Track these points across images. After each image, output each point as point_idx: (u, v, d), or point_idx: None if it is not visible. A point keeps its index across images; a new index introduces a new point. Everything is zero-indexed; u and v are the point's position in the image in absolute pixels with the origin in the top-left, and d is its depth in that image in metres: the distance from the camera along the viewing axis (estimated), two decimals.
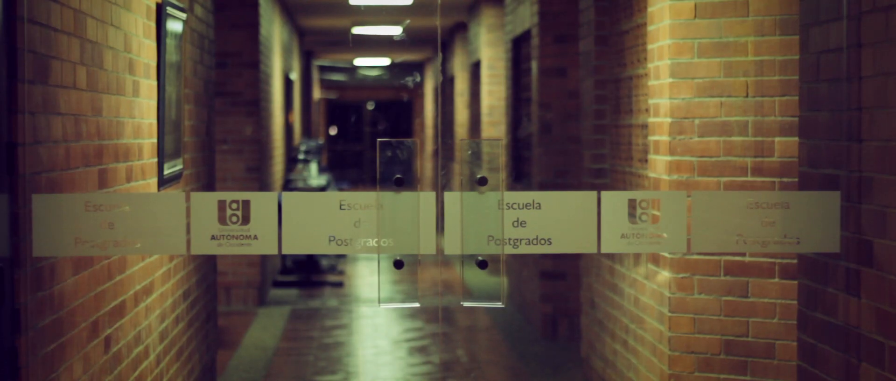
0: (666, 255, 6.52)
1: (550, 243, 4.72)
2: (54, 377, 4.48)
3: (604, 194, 4.71)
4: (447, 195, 4.84)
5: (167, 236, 4.50)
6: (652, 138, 6.74)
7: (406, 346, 10.82)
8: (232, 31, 12.85)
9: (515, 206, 4.68)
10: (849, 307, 4.35)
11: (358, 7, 15.60)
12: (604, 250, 4.70)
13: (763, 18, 6.30)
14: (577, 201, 4.71)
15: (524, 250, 4.72)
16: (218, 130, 12.01)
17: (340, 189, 20.19)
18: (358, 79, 34.63)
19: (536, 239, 4.72)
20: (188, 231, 4.50)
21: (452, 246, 4.72)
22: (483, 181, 4.74)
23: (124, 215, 4.45)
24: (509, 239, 4.71)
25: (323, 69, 32.04)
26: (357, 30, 19.04)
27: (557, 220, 4.71)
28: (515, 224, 4.71)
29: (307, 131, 24.92)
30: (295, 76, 20.28)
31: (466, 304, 5.82)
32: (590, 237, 4.70)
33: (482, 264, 4.78)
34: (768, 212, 4.65)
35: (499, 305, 5.20)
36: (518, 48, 12.99)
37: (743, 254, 6.36)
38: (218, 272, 10.06)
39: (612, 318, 7.85)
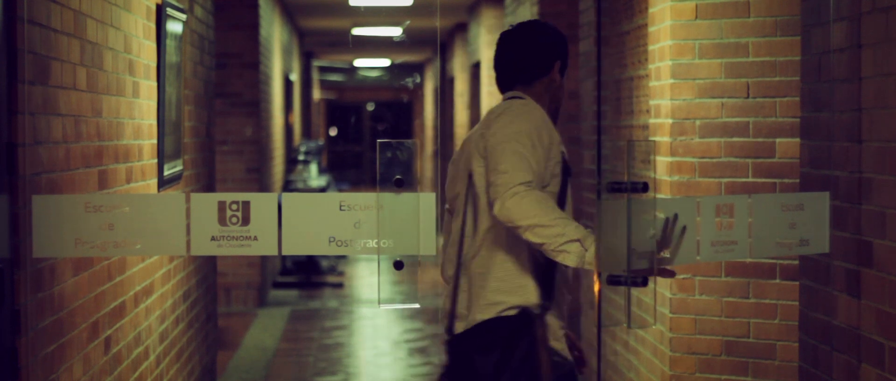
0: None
1: None
2: (54, 377, 4.48)
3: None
4: None
5: (167, 237, 4.49)
6: (653, 139, 6.74)
7: (406, 347, 10.81)
8: (232, 32, 12.84)
9: None
10: (849, 308, 4.35)
11: (358, 8, 15.59)
12: None
13: (764, 19, 6.30)
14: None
15: None
16: (218, 131, 12.01)
17: (340, 190, 20.18)
18: (358, 80, 34.63)
19: None
20: (188, 232, 4.49)
21: None
22: None
23: (124, 215, 4.44)
24: None
25: (323, 70, 32.04)
26: (357, 31, 19.04)
27: None
28: None
29: (307, 132, 24.91)
30: (295, 77, 20.27)
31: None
32: None
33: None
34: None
35: None
36: None
37: None
38: (218, 273, 10.06)
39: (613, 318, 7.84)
